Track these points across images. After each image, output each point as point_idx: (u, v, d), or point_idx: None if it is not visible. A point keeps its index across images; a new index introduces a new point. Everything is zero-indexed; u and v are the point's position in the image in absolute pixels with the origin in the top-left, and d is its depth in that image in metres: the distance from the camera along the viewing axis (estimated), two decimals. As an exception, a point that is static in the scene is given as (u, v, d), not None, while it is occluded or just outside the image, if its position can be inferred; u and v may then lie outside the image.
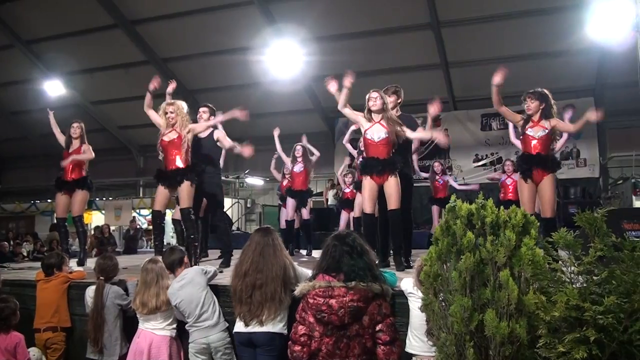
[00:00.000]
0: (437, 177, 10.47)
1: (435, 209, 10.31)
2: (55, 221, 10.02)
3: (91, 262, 7.42)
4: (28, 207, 20.41)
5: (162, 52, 15.71)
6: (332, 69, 14.58)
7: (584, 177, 14.50)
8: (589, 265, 2.71)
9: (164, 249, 6.64)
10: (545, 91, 5.95)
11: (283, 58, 13.01)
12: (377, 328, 3.50)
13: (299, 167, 8.93)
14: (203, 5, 13.72)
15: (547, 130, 5.86)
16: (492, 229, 3.02)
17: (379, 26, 13.50)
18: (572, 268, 2.78)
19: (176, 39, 15.11)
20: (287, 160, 9.23)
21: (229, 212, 15.66)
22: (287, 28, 13.53)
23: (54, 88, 15.83)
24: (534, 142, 5.93)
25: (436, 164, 10.69)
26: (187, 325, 4.43)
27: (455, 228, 3.04)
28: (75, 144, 7.45)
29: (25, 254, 14.49)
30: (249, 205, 19.10)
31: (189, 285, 4.40)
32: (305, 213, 9.28)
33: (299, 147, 8.97)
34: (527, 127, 5.97)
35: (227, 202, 17.69)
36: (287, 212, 9.15)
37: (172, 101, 6.49)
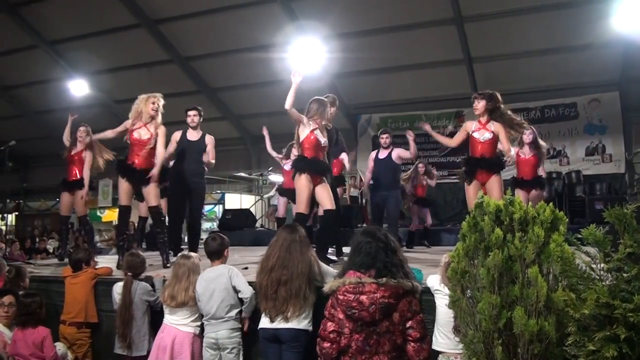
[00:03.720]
0: (420, 177, 10.05)
1: (415, 208, 9.96)
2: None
3: (107, 259, 7.56)
4: (53, 204, 20.69)
5: (185, 50, 15.74)
6: (355, 65, 14.63)
7: (609, 172, 14.24)
8: (618, 262, 2.68)
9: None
10: (494, 93, 6.01)
11: (305, 55, 13.00)
12: (407, 325, 3.50)
13: (288, 166, 8.73)
14: (225, 4, 13.73)
15: (492, 134, 5.92)
16: (520, 225, 3.00)
17: (401, 22, 13.39)
18: (602, 265, 2.75)
19: (199, 38, 15.13)
20: (278, 158, 9.06)
21: (252, 210, 15.70)
22: (309, 25, 13.50)
23: (78, 87, 15.98)
24: (479, 145, 6.00)
25: (420, 165, 10.20)
26: (203, 318, 4.50)
27: (483, 224, 3.03)
28: (79, 147, 7.54)
29: (51, 250, 14.74)
30: (272, 203, 19.12)
31: (214, 280, 4.45)
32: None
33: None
34: (474, 129, 6.05)
35: (251, 199, 17.74)
36: (279, 209, 8.99)
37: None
